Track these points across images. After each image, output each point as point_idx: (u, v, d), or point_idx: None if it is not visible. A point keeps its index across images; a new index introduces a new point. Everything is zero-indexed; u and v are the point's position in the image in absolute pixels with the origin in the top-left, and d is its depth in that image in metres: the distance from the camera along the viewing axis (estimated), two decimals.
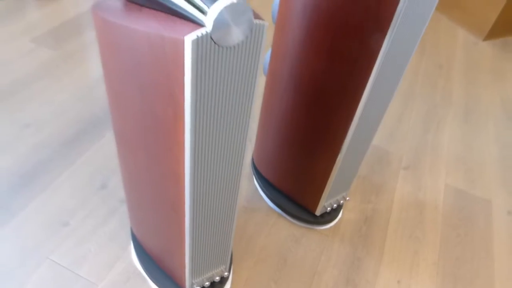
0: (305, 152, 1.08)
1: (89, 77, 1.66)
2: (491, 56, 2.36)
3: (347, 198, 1.26)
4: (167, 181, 0.70)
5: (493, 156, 1.65)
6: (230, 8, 0.45)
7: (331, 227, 1.26)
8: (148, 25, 0.51)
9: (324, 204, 1.16)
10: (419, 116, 1.81)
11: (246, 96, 0.58)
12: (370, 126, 0.97)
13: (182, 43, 0.47)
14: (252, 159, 1.37)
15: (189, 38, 0.46)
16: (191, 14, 0.48)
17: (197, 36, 0.46)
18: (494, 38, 2.48)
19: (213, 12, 0.45)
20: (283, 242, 1.20)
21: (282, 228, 1.23)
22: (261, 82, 1.64)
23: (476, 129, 1.79)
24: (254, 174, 1.35)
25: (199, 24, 0.48)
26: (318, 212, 1.18)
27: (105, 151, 1.36)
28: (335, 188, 1.12)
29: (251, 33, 0.50)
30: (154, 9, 0.54)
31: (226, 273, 0.98)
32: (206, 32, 0.46)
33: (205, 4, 0.46)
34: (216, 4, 0.45)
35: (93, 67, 1.71)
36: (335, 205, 1.20)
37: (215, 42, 0.47)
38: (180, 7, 0.49)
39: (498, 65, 2.28)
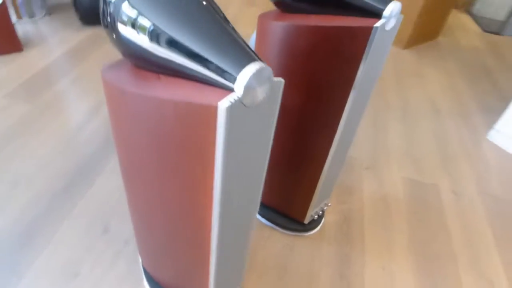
0: (291, 171, 1.09)
1: (68, 126, 1.55)
2: (411, 62, 2.53)
3: (329, 204, 1.29)
4: (192, 223, 0.68)
5: (431, 147, 1.77)
6: (256, 73, 0.45)
7: (317, 231, 1.27)
8: (173, 93, 0.49)
9: (312, 213, 1.18)
10: (369, 121, 1.89)
11: (265, 143, 0.58)
12: (347, 141, 1.00)
13: (215, 109, 0.45)
14: None
15: (223, 105, 0.45)
16: (220, 81, 0.47)
17: (230, 102, 0.45)
18: (411, 47, 2.67)
19: (242, 78, 0.45)
20: (279, 253, 1.19)
21: (276, 240, 1.23)
22: None
23: (414, 125, 1.90)
24: None
25: (227, 89, 0.47)
26: (306, 220, 1.20)
27: (98, 197, 1.28)
28: (320, 197, 1.14)
29: (271, 90, 0.50)
30: (174, 76, 0.53)
31: None
32: (238, 97, 0.45)
33: (233, 71, 0.45)
34: (245, 71, 0.45)
35: (71, 116, 1.61)
36: (320, 212, 1.22)
37: (244, 105, 0.47)
38: (209, 75, 0.48)
39: (418, 68, 2.46)
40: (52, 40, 2.08)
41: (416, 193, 1.50)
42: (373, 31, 0.73)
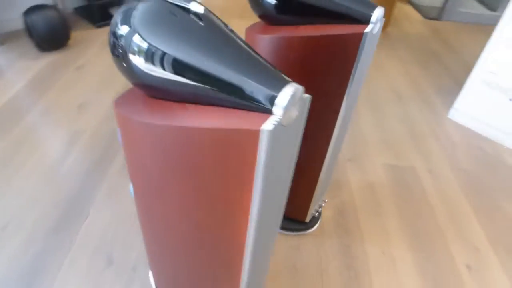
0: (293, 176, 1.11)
1: (47, 160, 1.47)
2: None
3: (326, 200, 1.33)
4: (224, 245, 0.68)
5: (401, 131, 1.87)
6: (293, 94, 0.47)
7: (317, 227, 1.31)
8: (208, 121, 0.50)
9: (312, 212, 1.21)
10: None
11: (293, 157, 0.60)
12: (340, 140, 1.04)
13: (258, 133, 0.47)
14: None
15: (266, 128, 0.46)
16: (257, 106, 0.48)
17: (273, 125, 0.46)
18: None
19: (282, 101, 0.46)
20: (286, 254, 1.22)
21: (282, 242, 1.25)
22: None
23: (382, 113, 2.01)
24: None
25: (263, 112, 0.48)
26: (307, 219, 1.23)
27: (96, 228, 1.23)
28: (318, 195, 1.18)
29: (302, 107, 0.52)
30: (201, 103, 0.53)
31: None
32: (279, 119, 0.47)
33: (271, 94, 0.47)
34: (283, 93, 0.46)
35: (48, 149, 1.52)
36: (320, 209, 1.26)
37: (282, 125, 0.48)
38: (243, 101, 0.48)
39: (376, 60, 2.59)
40: (10, 72, 1.95)
41: (397, 177, 1.58)
42: (363, 36, 0.77)
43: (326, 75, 0.85)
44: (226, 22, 2.84)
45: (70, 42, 2.27)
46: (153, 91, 0.56)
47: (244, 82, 0.48)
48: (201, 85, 0.50)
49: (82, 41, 2.31)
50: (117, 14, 0.53)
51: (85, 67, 2.07)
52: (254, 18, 2.75)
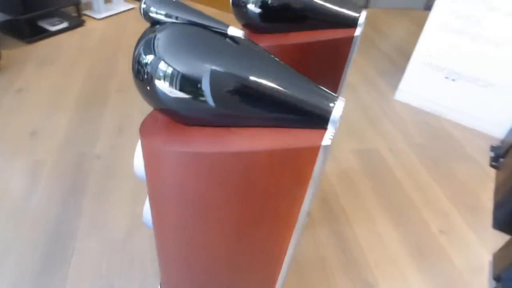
0: None
1: (13, 196, 1.33)
2: None
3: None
4: (265, 258, 0.69)
5: (358, 116, 2.01)
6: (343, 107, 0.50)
7: (308, 219, 1.37)
8: (261, 143, 0.51)
9: None
10: None
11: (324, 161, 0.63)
12: None
13: (317, 149, 0.49)
14: None
15: (325, 143, 0.48)
16: (315, 122, 0.50)
17: (330, 139, 0.49)
18: None
19: (336, 116, 0.49)
20: None
21: None
22: None
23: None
24: None
25: (314, 128, 0.50)
26: None
27: (86, 261, 1.15)
28: None
29: None
30: (248, 126, 0.54)
31: None
32: (333, 132, 0.50)
33: (324, 111, 0.49)
34: (336, 108, 0.49)
35: (9, 184, 1.37)
36: None
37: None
38: (301, 118, 0.50)
39: None
40: None
41: (365, 160, 1.71)
42: (354, 39, 0.82)
43: (319, 79, 0.89)
44: None
45: (2, 62, 2.03)
46: (191, 118, 0.55)
47: (296, 100, 0.49)
48: (252, 108, 0.50)
49: (15, 60, 2.09)
50: (160, 43, 0.51)
51: (26, 89, 1.88)
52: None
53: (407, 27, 3.12)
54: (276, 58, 0.53)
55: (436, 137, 1.90)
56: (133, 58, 0.54)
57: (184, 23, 0.52)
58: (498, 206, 1.49)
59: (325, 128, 0.50)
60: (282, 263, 0.70)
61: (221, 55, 0.49)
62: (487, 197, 1.58)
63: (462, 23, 1.76)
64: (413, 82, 2.06)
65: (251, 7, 0.86)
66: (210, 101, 0.50)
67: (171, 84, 0.50)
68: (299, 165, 0.51)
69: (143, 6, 0.53)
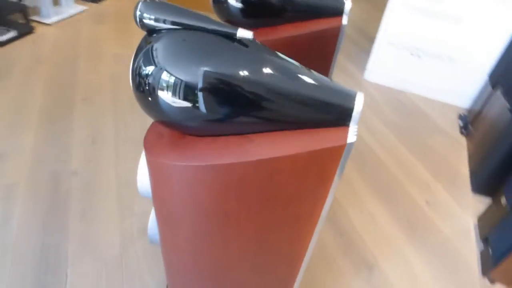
0: None
1: None
2: None
3: None
4: (278, 266, 0.68)
5: None
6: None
7: None
8: (286, 148, 0.49)
9: None
10: None
11: None
12: None
13: (343, 148, 0.48)
14: None
15: (351, 141, 0.48)
16: (337, 120, 0.49)
17: (355, 136, 0.48)
18: None
19: (357, 112, 0.48)
20: None
21: None
22: None
23: None
24: None
25: (336, 125, 0.49)
26: None
27: (84, 286, 1.09)
28: None
29: None
30: (264, 131, 0.51)
31: None
32: (357, 129, 0.49)
33: (347, 108, 0.48)
34: (357, 104, 0.48)
35: None
36: None
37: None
38: (321, 118, 0.49)
39: None
40: None
41: None
42: (341, 28, 0.82)
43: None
44: (123, 25, 2.63)
45: None
46: (203, 129, 0.52)
47: (316, 100, 0.48)
48: (271, 112, 0.48)
49: None
50: (155, 53, 0.47)
51: None
52: None
53: (367, 10, 3.19)
54: (287, 57, 0.51)
55: (409, 113, 1.97)
56: (132, 71, 0.50)
57: (185, 29, 0.48)
58: (474, 172, 1.58)
59: (347, 125, 0.49)
60: (302, 263, 0.69)
61: (234, 61, 0.46)
62: (462, 164, 1.67)
63: (423, 1, 1.82)
64: (380, 62, 2.11)
65: (233, 1, 0.83)
66: (227, 110, 0.47)
67: (185, 95, 0.47)
68: (323, 165, 0.50)
69: (138, 13, 0.48)
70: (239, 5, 0.83)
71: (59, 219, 1.26)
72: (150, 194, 0.63)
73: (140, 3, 0.48)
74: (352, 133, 0.48)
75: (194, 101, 0.47)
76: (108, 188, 1.39)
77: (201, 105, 0.47)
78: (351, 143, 0.47)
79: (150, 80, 0.47)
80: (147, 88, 0.48)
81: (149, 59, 0.47)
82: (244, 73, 0.46)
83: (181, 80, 0.46)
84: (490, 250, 1.20)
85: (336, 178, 0.52)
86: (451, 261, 1.25)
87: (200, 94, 0.46)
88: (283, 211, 0.56)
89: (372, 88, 2.15)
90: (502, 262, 1.13)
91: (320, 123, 0.49)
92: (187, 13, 0.48)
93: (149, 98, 0.49)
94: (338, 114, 0.48)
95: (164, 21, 0.48)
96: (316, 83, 0.49)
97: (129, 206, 1.32)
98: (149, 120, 0.59)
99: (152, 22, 0.48)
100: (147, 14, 0.48)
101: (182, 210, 0.59)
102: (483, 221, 1.34)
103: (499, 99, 1.54)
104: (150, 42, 0.49)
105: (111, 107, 1.78)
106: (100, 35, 2.39)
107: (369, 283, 1.16)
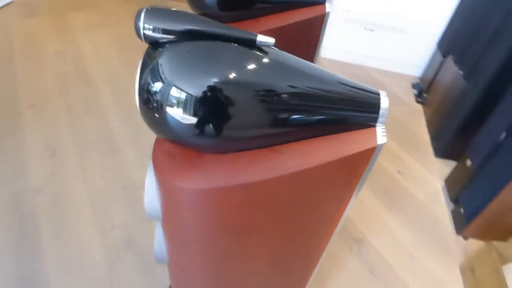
0: None
1: None
2: None
3: None
4: (296, 265, 0.68)
5: None
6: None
7: None
8: (318, 158, 0.47)
9: None
10: None
11: None
12: None
13: (374, 149, 0.47)
14: None
15: (382, 141, 0.47)
16: (360, 123, 0.48)
17: (384, 135, 0.47)
18: None
19: (384, 112, 0.47)
20: None
21: None
22: None
23: None
24: None
25: (367, 126, 0.48)
26: None
27: None
28: None
29: None
30: (291, 141, 0.49)
31: None
32: (384, 128, 0.48)
33: (374, 108, 0.47)
34: (383, 104, 0.47)
35: None
36: None
37: None
38: (349, 121, 0.47)
39: None
40: None
41: None
42: (325, 16, 0.80)
43: None
44: (60, 17, 2.37)
45: None
46: (228, 145, 0.48)
47: (343, 102, 0.46)
48: (298, 120, 0.46)
49: None
50: (164, 69, 0.42)
51: None
52: (97, 9, 2.38)
53: None
54: (306, 61, 0.48)
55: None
56: (139, 91, 0.44)
57: (195, 39, 0.43)
58: (435, 137, 1.69)
59: (373, 126, 0.48)
60: (319, 261, 0.69)
61: (258, 70, 0.43)
62: (423, 131, 1.77)
63: None
64: (335, 38, 2.14)
65: None
66: (254, 123, 0.44)
67: (207, 112, 0.42)
68: (353, 169, 0.49)
69: (141, 24, 0.42)
70: None
71: (31, 244, 1.15)
72: (160, 217, 0.58)
73: (143, 12, 0.42)
74: (381, 134, 0.47)
75: (217, 117, 0.43)
76: (79, 201, 1.28)
77: (226, 120, 0.43)
78: (382, 144, 0.47)
79: (164, 99, 0.42)
80: (160, 107, 0.43)
81: (161, 76, 0.42)
82: (270, 82, 0.43)
83: (200, 96, 0.42)
84: (462, 210, 1.31)
85: (362, 180, 0.52)
86: (428, 223, 1.35)
87: (224, 109, 0.42)
88: (309, 215, 0.55)
89: (329, 64, 2.18)
90: (474, 219, 1.24)
91: (347, 127, 0.48)
92: (199, 21, 0.43)
93: (164, 117, 0.44)
94: (365, 115, 0.47)
95: (174, 32, 0.42)
96: (342, 84, 0.47)
97: (107, 218, 1.24)
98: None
99: (158, 34, 0.43)
100: (153, 24, 0.42)
101: (202, 233, 0.55)
102: (450, 183, 1.45)
103: (451, 67, 1.65)
104: (157, 57, 0.43)
105: (64, 112, 1.62)
106: (35, 30, 2.13)
107: (361, 258, 1.22)
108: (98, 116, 1.61)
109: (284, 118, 0.45)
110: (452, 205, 1.41)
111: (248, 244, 0.59)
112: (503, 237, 1.28)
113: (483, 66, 1.38)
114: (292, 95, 0.44)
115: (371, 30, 2.04)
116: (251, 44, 0.44)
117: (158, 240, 0.69)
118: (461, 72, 1.54)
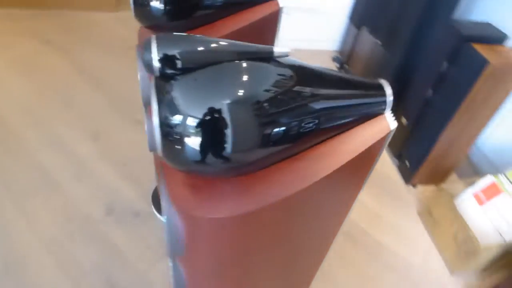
0: None
1: None
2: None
3: None
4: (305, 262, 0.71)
5: None
6: None
7: None
8: (338, 159, 0.48)
9: None
10: None
11: None
12: None
13: (387, 136, 0.51)
14: None
15: (394, 126, 0.51)
16: (376, 111, 0.51)
17: (394, 119, 0.51)
18: None
19: (390, 98, 0.51)
20: None
21: None
22: None
23: None
24: None
25: (376, 115, 0.52)
26: None
27: None
28: None
29: None
30: (305, 148, 0.50)
31: None
32: (392, 113, 0.52)
33: (382, 96, 0.50)
34: (388, 91, 0.51)
35: None
36: None
37: None
38: (362, 113, 0.50)
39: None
40: None
41: None
42: (279, 11, 0.81)
43: None
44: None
45: None
46: (253, 165, 0.47)
47: (355, 97, 0.49)
48: (321, 124, 0.47)
49: None
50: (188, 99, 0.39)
51: None
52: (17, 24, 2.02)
53: None
54: (312, 64, 0.49)
55: None
56: (160, 125, 0.41)
57: (211, 64, 0.41)
58: None
59: (382, 113, 0.52)
60: (325, 255, 0.73)
61: (284, 85, 0.43)
62: None
63: None
64: None
65: (157, 2, 0.72)
66: (285, 135, 0.44)
67: (240, 138, 0.41)
68: (369, 159, 0.53)
69: (154, 57, 0.39)
70: (164, 5, 0.73)
71: (13, 276, 0.99)
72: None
73: (154, 42, 0.38)
74: (391, 118, 0.51)
75: (250, 141, 0.42)
76: (36, 257, 1.12)
77: (258, 142, 0.43)
78: (393, 129, 0.51)
79: (194, 131, 0.40)
80: (187, 139, 0.41)
81: (185, 109, 0.40)
82: (297, 93, 0.43)
83: (234, 120, 0.40)
84: (406, 163, 1.47)
85: (371, 170, 0.56)
86: (381, 181, 1.50)
87: (254, 131, 0.42)
88: (325, 215, 0.58)
89: None
90: (419, 169, 1.41)
91: (359, 120, 0.51)
92: (214, 44, 0.41)
93: (193, 148, 0.42)
94: (374, 105, 0.51)
95: (193, 61, 0.40)
96: (350, 81, 0.49)
97: (76, 266, 1.11)
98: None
99: (176, 64, 0.39)
100: (169, 55, 0.39)
101: (232, 258, 0.54)
102: (391, 141, 1.62)
103: (367, 37, 1.81)
104: (175, 90, 0.40)
105: None
106: None
107: (343, 234, 1.30)
108: (18, 153, 1.41)
109: (312, 123, 0.46)
110: (396, 161, 1.58)
111: (268, 257, 0.60)
112: (443, 178, 1.49)
113: (398, 33, 1.55)
114: (318, 101, 0.45)
115: (287, 13, 2.11)
116: (269, 58, 0.43)
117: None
118: (378, 42, 1.70)
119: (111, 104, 1.67)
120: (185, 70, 0.40)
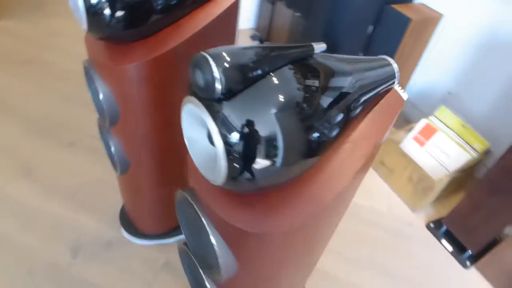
0: None
1: None
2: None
3: None
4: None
5: None
6: None
7: None
8: (366, 149, 0.51)
9: None
10: None
11: None
12: None
13: (402, 107, 0.55)
14: None
15: (405, 97, 0.55)
16: (389, 86, 0.54)
17: (403, 91, 0.56)
18: None
19: (398, 72, 0.55)
20: None
21: None
22: None
23: None
24: None
25: (388, 91, 0.55)
26: None
27: None
28: None
29: None
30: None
31: None
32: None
33: (392, 69, 0.54)
34: (395, 68, 0.54)
35: None
36: None
37: None
38: (381, 89, 0.53)
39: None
40: None
41: None
42: (238, 2, 0.79)
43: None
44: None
45: None
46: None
47: (375, 80, 0.52)
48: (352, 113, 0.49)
49: None
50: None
51: None
52: None
53: None
54: (337, 55, 0.50)
55: None
56: (226, 151, 0.38)
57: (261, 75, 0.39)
58: None
59: (392, 88, 0.56)
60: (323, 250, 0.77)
61: (331, 83, 0.43)
62: None
63: None
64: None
65: (114, 10, 0.64)
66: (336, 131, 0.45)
67: (302, 149, 0.41)
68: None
69: (217, 76, 0.35)
70: (122, 12, 0.66)
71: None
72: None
73: (211, 61, 0.34)
74: (401, 91, 0.55)
75: (312, 150, 0.42)
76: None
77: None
78: (406, 100, 0.55)
79: (263, 153, 0.39)
80: (257, 162, 0.39)
81: (252, 132, 0.38)
82: (342, 88, 0.44)
83: (299, 134, 0.40)
84: None
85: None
86: None
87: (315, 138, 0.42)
88: (344, 209, 0.61)
89: None
90: None
91: (376, 100, 0.54)
92: (264, 52, 0.39)
93: (261, 175, 0.40)
94: (389, 80, 0.54)
95: (253, 77, 0.37)
96: (368, 61, 0.52)
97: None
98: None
99: (238, 81, 0.37)
100: (231, 73, 0.36)
101: (270, 267, 0.55)
102: None
103: (285, 11, 1.86)
104: (233, 112, 0.37)
105: None
106: None
107: None
108: None
109: (352, 114, 0.47)
110: None
111: (296, 264, 0.62)
112: None
113: (316, 4, 1.62)
114: (356, 91, 0.46)
115: None
116: (308, 57, 0.43)
117: None
118: (298, 14, 1.76)
119: (30, 130, 1.44)
120: (243, 86, 0.37)
